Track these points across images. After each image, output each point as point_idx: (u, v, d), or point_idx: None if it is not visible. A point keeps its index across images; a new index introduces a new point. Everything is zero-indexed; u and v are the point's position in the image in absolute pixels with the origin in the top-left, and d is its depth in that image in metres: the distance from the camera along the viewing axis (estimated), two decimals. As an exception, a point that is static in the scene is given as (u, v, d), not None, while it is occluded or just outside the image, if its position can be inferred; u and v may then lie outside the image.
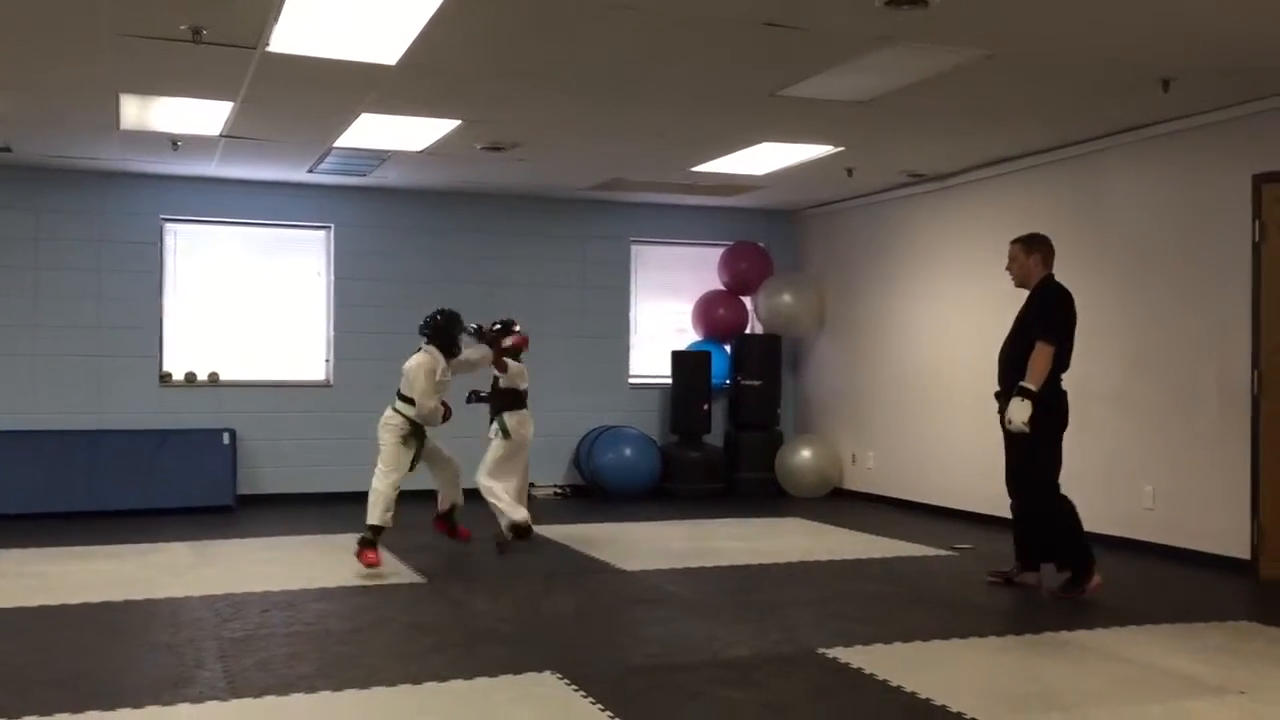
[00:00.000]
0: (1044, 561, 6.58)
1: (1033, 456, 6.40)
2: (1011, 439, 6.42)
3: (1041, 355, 6.22)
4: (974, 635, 5.46)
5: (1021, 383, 6.22)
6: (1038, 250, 6.50)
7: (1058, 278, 6.49)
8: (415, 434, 7.13)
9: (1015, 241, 6.59)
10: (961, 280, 9.66)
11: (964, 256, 9.66)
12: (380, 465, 7.08)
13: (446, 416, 7.24)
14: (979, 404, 9.35)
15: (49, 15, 5.60)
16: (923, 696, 4.41)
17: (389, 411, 7.15)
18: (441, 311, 7.36)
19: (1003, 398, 6.43)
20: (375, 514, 6.99)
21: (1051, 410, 6.29)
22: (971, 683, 4.68)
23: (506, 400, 7.80)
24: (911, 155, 8.94)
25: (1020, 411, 6.18)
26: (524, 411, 7.85)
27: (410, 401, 7.08)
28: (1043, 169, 8.78)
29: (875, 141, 8.34)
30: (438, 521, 7.71)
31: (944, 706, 4.28)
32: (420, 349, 7.22)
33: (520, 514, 7.68)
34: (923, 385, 9.89)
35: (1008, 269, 6.63)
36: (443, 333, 7.27)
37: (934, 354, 9.80)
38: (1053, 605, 6.20)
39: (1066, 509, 6.47)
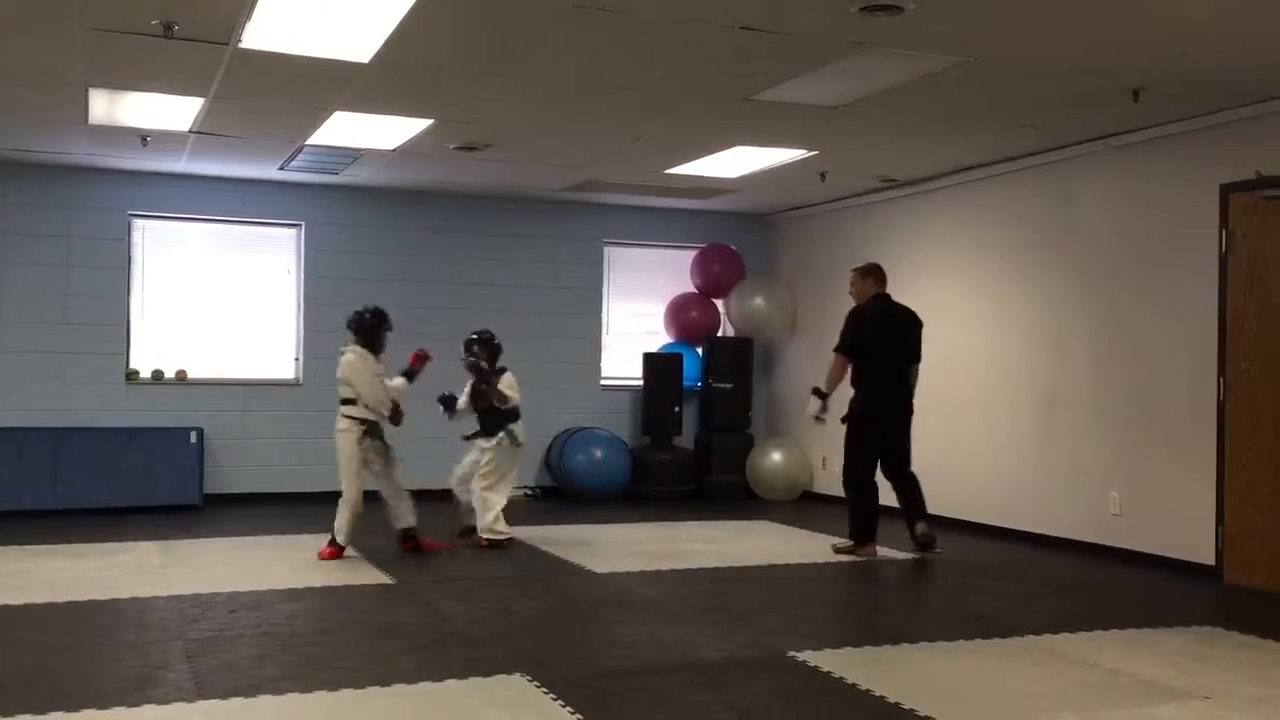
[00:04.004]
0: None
1: (846, 447, 7.89)
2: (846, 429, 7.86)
3: (833, 363, 7.83)
4: (941, 639, 5.48)
5: (816, 384, 7.93)
6: (870, 275, 7.97)
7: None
8: (371, 432, 7.26)
9: (853, 270, 8.07)
10: (932, 285, 9.70)
11: (935, 262, 9.71)
12: (342, 479, 7.27)
13: (398, 418, 7.30)
14: (949, 409, 9.42)
15: (18, 7, 5.54)
16: (891, 700, 4.42)
17: (339, 419, 7.28)
18: (370, 310, 7.42)
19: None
20: (343, 535, 7.26)
21: (858, 408, 7.74)
22: (939, 686, 4.70)
23: (507, 412, 7.85)
24: (884, 160, 8.98)
25: (810, 406, 7.93)
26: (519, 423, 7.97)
27: (350, 403, 7.22)
28: (1014, 176, 8.84)
29: (848, 146, 8.37)
30: (405, 542, 7.62)
31: (912, 710, 4.30)
32: (347, 349, 7.32)
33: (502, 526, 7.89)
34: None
35: (849, 293, 8.04)
36: (371, 331, 7.34)
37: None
38: (1021, 610, 6.23)
39: (861, 489, 7.82)
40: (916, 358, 7.92)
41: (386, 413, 7.31)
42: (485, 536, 7.81)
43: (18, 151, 9.12)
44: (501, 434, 7.78)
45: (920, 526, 7.81)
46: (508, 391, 7.82)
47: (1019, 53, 5.98)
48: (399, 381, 7.50)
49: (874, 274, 7.98)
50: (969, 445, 9.24)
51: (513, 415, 7.86)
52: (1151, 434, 7.64)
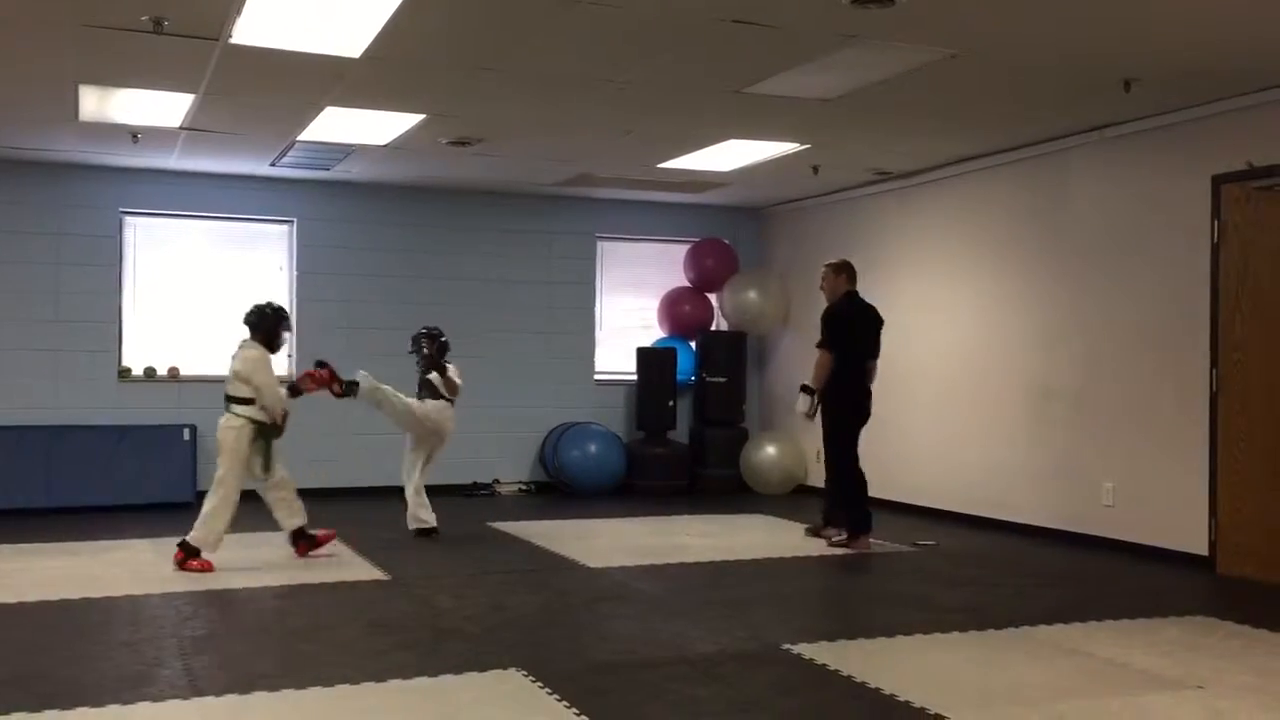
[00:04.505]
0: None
1: (830, 439, 7.90)
2: (824, 424, 7.91)
3: (819, 360, 7.82)
4: (937, 631, 5.49)
5: (804, 381, 7.90)
6: (843, 272, 8.01)
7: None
8: (263, 434, 6.94)
9: (825, 265, 8.10)
10: (925, 278, 9.72)
11: (928, 254, 9.72)
12: (218, 476, 6.86)
13: (283, 428, 7.03)
14: (942, 401, 9.44)
15: (7, 4, 5.51)
16: (888, 692, 4.43)
17: (227, 416, 6.90)
18: (272, 306, 7.12)
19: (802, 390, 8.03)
20: (210, 539, 6.79)
21: (843, 403, 7.79)
22: (936, 678, 4.71)
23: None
24: (877, 153, 8.98)
25: (799, 403, 7.89)
26: (439, 403, 8.09)
27: (246, 402, 6.88)
28: (1006, 168, 8.84)
29: (841, 139, 8.37)
30: (298, 546, 7.26)
31: (908, 702, 4.30)
32: (246, 345, 6.98)
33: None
34: (886, 382, 9.89)
35: (820, 287, 8.10)
36: (272, 329, 7.03)
37: (898, 351, 9.82)
38: (1015, 601, 6.24)
39: (857, 480, 7.87)
40: (877, 354, 8.06)
41: (279, 419, 6.97)
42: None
43: (8, 149, 9.08)
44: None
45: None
46: (457, 380, 8.06)
47: (1011, 44, 5.98)
48: (282, 391, 7.09)
49: (847, 270, 8.03)
50: (962, 437, 9.25)
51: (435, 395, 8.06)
52: (1144, 425, 7.65)
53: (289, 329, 7.27)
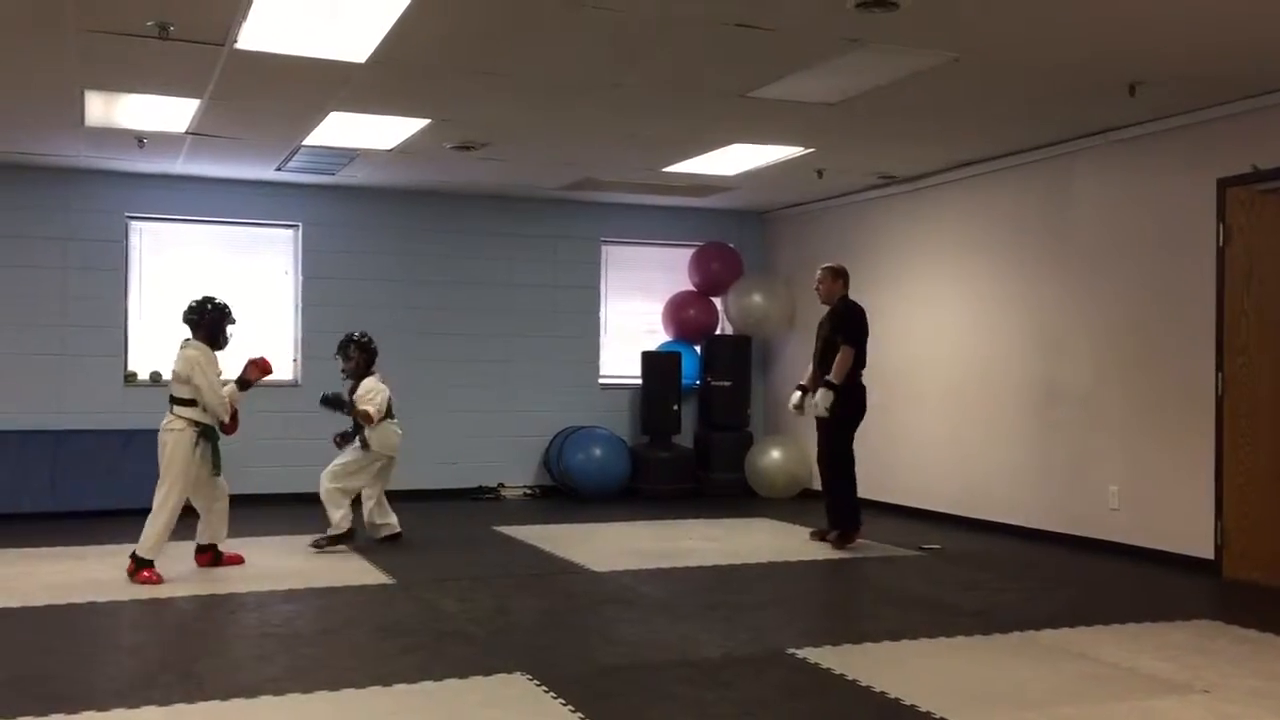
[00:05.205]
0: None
1: (839, 437, 7.92)
2: (820, 424, 7.95)
3: (843, 356, 7.77)
4: (941, 635, 5.48)
5: (827, 377, 7.80)
6: (841, 277, 8.11)
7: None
8: (206, 435, 6.77)
9: (824, 268, 8.14)
10: (930, 281, 9.72)
11: (933, 257, 9.72)
12: (163, 485, 6.64)
13: (235, 425, 6.88)
14: (946, 404, 9.44)
15: (12, 9, 5.53)
16: (893, 696, 4.43)
17: (169, 418, 6.73)
18: (213, 301, 6.95)
19: (807, 390, 8.12)
20: (149, 545, 6.57)
21: (853, 401, 7.87)
22: (940, 682, 4.70)
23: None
24: (881, 157, 8.98)
25: (825, 399, 7.77)
26: (385, 424, 7.82)
27: (188, 403, 6.71)
28: (1011, 171, 8.84)
29: (845, 143, 8.37)
30: (201, 555, 7.10)
31: (913, 705, 4.30)
32: (188, 344, 6.81)
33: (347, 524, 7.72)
34: (891, 386, 9.92)
35: (815, 289, 8.15)
36: (214, 326, 6.87)
37: (902, 354, 9.85)
38: (1020, 605, 6.24)
39: (853, 478, 7.99)
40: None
41: (225, 417, 6.80)
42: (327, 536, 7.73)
43: (14, 154, 9.11)
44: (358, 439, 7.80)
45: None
46: (366, 405, 7.72)
47: (1015, 48, 5.98)
48: (230, 388, 6.90)
49: (844, 275, 8.14)
50: (966, 441, 9.24)
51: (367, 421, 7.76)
52: (1150, 428, 7.64)
53: (233, 323, 6.97)
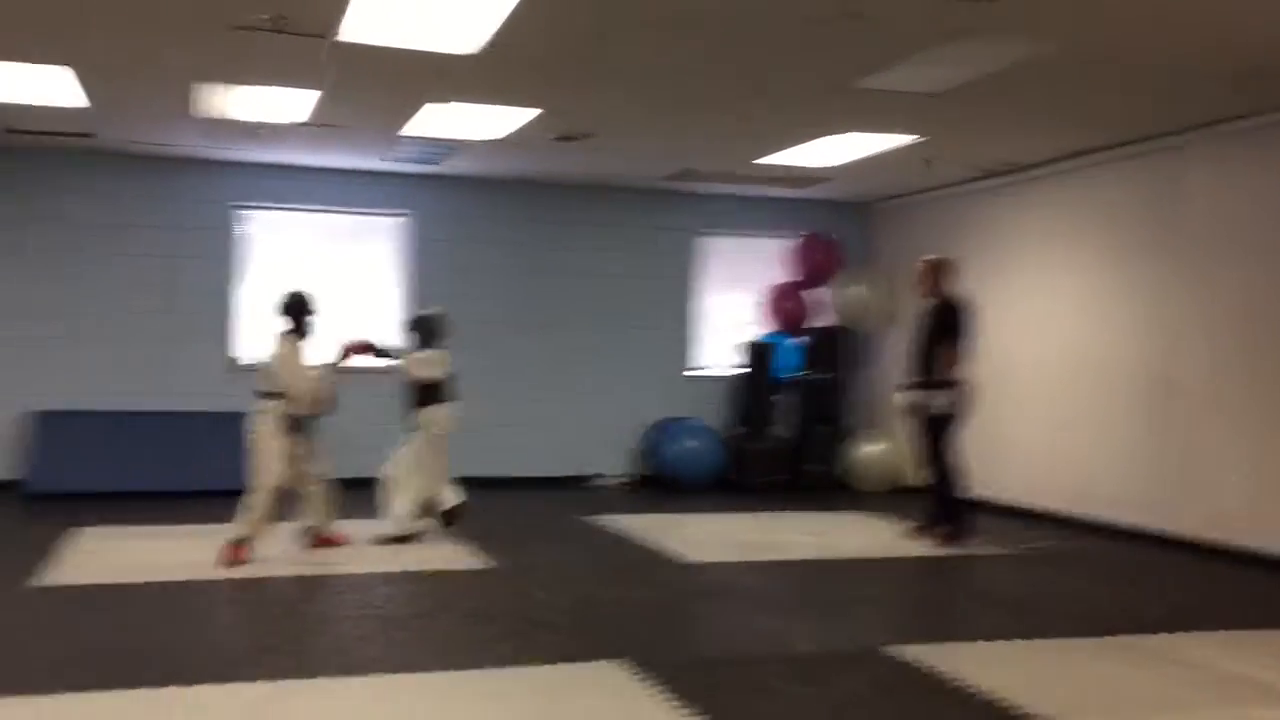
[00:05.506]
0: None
1: (945, 434, 7.72)
2: (923, 420, 7.79)
3: (946, 352, 7.62)
4: (1038, 636, 5.38)
5: (940, 375, 7.63)
6: (943, 270, 7.89)
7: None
8: (296, 423, 6.89)
9: (924, 260, 7.97)
10: (1038, 273, 9.53)
11: (1040, 249, 9.53)
12: (254, 470, 6.78)
13: (330, 407, 7.03)
14: (1056, 399, 9.24)
15: (136, 5, 5.70)
16: (988, 697, 4.36)
17: (257, 406, 6.87)
18: (299, 292, 7.09)
19: (914, 389, 7.82)
20: (242, 527, 6.67)
21: (957, 397, 7.69)
22: (1038, 684, 4.61)
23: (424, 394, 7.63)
24: (990, 147, 8.83)
25: (928, 397, 7.66)
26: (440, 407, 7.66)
27: (274, 394, 6.82)
28: (1121, 163, 8.63)
29: (950, 134, 8.25)
30: (305, 537, 7.19)
31: (1009, 708, 4.23)
32: (280, 337, 6.97)
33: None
34: (996, 381, 9.76)
35: (918, 283, 7.97)
36: (296, 315, 6.99)
37: (1008, 349, 9.66)
38: (1126, 608, 6.10)
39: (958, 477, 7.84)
40: None
41: (315, 406, 6.97)
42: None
43: (130, 143, 9.37)
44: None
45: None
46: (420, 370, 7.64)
47: (1122, 37, 5.83)
48: (323, 371, 7.08)
49: (948, 268, 7.95)
50: (1077, 437, 9.03)
51: (429, 397, 7.65)
52: (1271, 424, 7.37)
53: (314, 312, 7.10)
